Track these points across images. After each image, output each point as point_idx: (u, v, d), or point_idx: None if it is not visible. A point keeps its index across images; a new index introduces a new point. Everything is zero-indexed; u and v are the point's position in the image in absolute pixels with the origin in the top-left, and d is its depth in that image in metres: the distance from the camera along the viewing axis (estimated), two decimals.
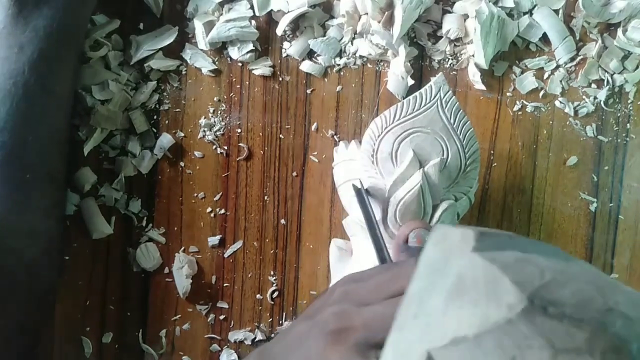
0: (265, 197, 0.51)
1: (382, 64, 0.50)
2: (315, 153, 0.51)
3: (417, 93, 0.42)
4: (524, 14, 0.50)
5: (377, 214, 0.43)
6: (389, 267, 0.32)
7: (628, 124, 0.51)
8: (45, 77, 0.43)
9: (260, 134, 0.51)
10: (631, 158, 0.51)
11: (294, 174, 0.51)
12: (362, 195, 0.42)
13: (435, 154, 0.42)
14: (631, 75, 0.50)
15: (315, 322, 0.29)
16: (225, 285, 0.52)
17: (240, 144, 0.51)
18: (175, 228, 0.52)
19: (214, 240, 0.51)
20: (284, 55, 0.50)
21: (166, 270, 0.52)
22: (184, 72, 0.50)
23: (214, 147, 0.51)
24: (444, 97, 0.42)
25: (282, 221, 0.51)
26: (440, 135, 0.42)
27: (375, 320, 0.27)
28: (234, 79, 0.51)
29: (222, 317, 0.52)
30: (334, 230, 0.51)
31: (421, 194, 0.41)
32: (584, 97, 0.51)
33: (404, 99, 0.45)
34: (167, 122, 0.51)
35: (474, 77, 0.49)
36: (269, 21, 0.50)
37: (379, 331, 0.26)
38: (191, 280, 0.51)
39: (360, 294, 0.30)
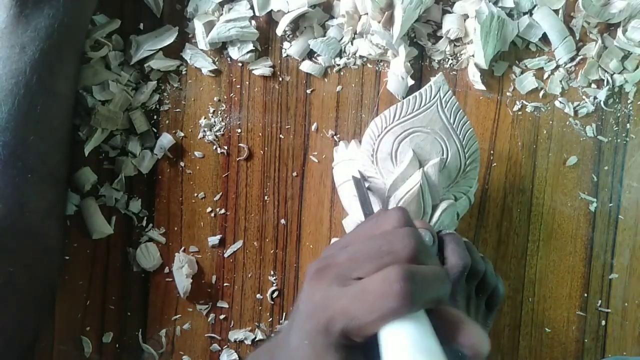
0: (265, 197, 0.51)
1: (382, 64, 0.50)
2: (315, 153, 0.51)
3: (417, 93, 0.42)
4: (524, 14, 0.50)
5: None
6: (369, 218, 0.33)
7: (628, 124, 0.51)
8: (47, 76, 0.43)
9: (260, 134, 0.51)
10: (631, 158, 0.51)
11: (294, 174, 0.51)
12: (360, 183, 0.42)
13: (435, 153, 0.42)
14: (631, 75, 0.50)
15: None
16: (225, 285, 0.52)
17: (240, 144, 0.51)
18: (176, 228, 0.52)
19: (214, 240, 0.51)
20: (284, 55, 0.50)
21: (166, 270, 0.52)
22: (184, 72, 0.51)
23: (214, 147, 0.51)
24: (443, 97, 0.42)
25: (282, 221, 0.52)
26: (440, 135, 0.42)
27: (358, 254, 0.28)
28: (234, 79, 0.51)
29: (222, 316, 0.52)
30: (334, 230, 0.51)
31: (421, 194, 0.41)
32: (583, 97, 0.51)
33: (404, 99, 0.45)
34: (167, 122, 0.51)
35: (474, 77, 0.49)
36: (269, 21, 0.50)
37: (362, 263, 0.27)
38: (191, 280, 0.51)
39: (342, 242, 0.32)
